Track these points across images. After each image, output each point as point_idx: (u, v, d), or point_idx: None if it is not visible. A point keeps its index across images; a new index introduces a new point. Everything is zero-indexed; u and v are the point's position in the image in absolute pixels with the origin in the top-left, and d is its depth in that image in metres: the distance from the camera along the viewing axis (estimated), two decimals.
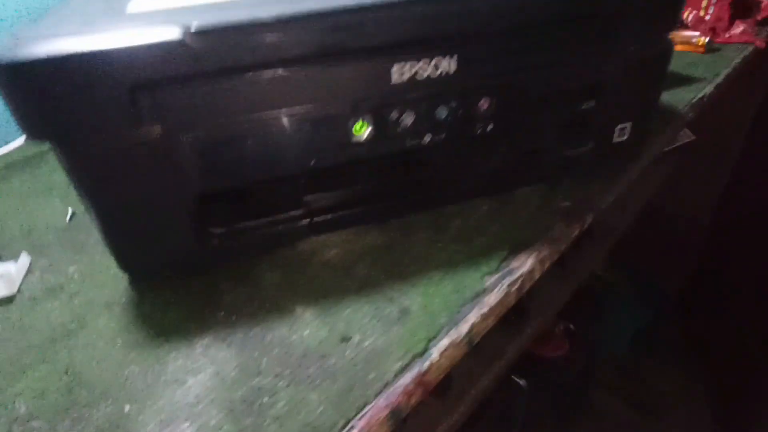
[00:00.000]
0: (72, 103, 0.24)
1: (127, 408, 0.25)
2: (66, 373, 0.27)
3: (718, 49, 0.72)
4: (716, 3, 0.78)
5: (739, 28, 0.76)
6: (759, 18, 0.80)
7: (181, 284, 0.32)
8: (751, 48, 0.72)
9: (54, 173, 0.49)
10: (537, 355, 0.94)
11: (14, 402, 0.25)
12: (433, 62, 0.29)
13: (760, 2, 0.81)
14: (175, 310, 0.31)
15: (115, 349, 0.28)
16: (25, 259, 0.36)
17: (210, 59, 0.25)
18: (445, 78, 0.30)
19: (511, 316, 0.71)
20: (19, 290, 0.33)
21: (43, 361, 0.28)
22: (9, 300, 0.33)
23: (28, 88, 0.23)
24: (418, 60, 0.29)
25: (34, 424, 0.24)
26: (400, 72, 0.29)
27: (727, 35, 0.76)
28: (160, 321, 0.30)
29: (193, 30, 0.24)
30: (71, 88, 0.23)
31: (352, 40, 0.27)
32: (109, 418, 0.24)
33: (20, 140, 0.54)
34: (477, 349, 0.71)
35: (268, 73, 0.26)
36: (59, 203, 0.44)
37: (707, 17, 0.77)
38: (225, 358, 0.27)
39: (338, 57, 0.27)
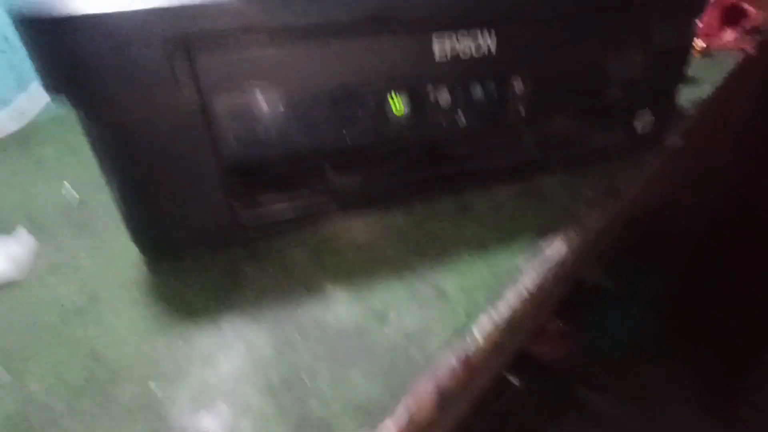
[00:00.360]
0: (107, 68, 0.22)
1: (154, 386, 0.23)
2: (84, 352, 0.25)
3: (712, 55, 0.74)
4: (709, 9, 0.80)
5: (730, 35, 0.79)
6: (747, 27, 0.83)
7: (201, 265, 0.31)
8: (742, 54, 0.75)
9: (54, 153, 0.46)
10: (531, 354, 0.95)
11: (28, 382, 0.23)
12: (474, 41, 0.29)
13: (747, 11, 0.84)
14: (198, 290, 0.29)
15: (134, 328, 0.26)
16: (32, 242, 0.33)
17: (259, 19, 0.24)
18: (484, 58, 0.30)
19: None
20: (28, 272, 0.31)
21: (58, 342, 0.26)
22: (17, 283, 0.30)
23: (64, 46, 0.22)
24: (459, 36, 0.28)
25: (53, 404, 0.22)
26: (443, 49, 0.28)
27: (719, 41, 0.78)
28: (182, 301, 0.28)
29: None
30: (110, 46, 0.22)
31: (400, 11, 0.26)
32: (135, 397, 0.23)
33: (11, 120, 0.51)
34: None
35: (313, 42, 0.25)
36: (61, 186, 0.41)
37: (700, 23, 0.80)
38: (256, 336, 0.26)
39: (385, 28, 0.26)
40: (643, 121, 0.39)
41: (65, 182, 0.40)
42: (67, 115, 0.49)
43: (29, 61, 0.23)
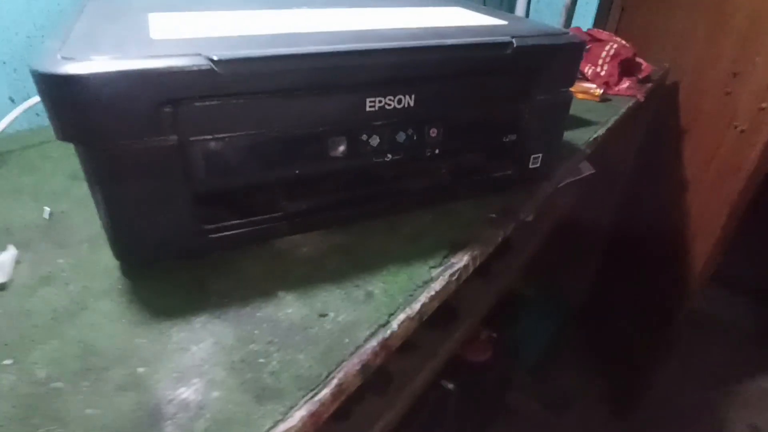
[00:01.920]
0: (106, 113, 0.29)
1: (140, 370, 0.29)
2: (78, 344, 0.31)
3: (610, 99, 0.89)
4: (609, 62, 0.95)
5: (626, 84, 0.94)
6: (640, 77, 0.99)
7: (171, 275, 0.37)
8: (634, 100, 0.90)
9: (22, 175, 0.51)
10: (463, 360, 1.04)
11: (33, 369, 0.29)
12: (397, 97, 0.37)
13: (641, 64, 1.00)
14: (170, 296, 0.35)
15: (120, 326, 0.32)
16: (12, 250, 0.38)
17: (226, 84, 0.31)
18: (405, 110, 0.38)
19: (443, 320, 0.80)
20: (11, 279, 0.36)
21: (52, 337, 0.31)
22: (2, 287, 0.35)
23: (73, 98, 0.28)
24: (386, 95, 0.37)
25: (56, 385, 0.28)
26: (373, 103, 0.37)
27: (617, 88, 0.93)
28: (158, 304, 0.34)
29: (217, 59, 0.30)
30: (108, 100, 0.28)
31: (339, 77, 0.34)
32: (126, 378, 0.29)
33: None
34: (414, 350, 0.80)
35: (270, 98, 0.33)
36: (32, 203, 0.46)
37: (602, 73, 0.94)
38: (222, 331, 0.33)
39: (326, 88, 0.35)
40: (534, 159, 0.49)
41: (45, 207, 0.44)
42: (30, 136, 0.54)
43: None
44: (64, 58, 0.28)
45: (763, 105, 1.00)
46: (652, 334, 1.22)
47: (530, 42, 0.41)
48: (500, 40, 0.40)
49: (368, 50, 0.35)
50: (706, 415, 1.32)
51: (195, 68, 0.30)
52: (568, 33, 0.44)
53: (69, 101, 0.28)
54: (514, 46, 0.40)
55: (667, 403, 1.29)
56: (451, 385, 1.00)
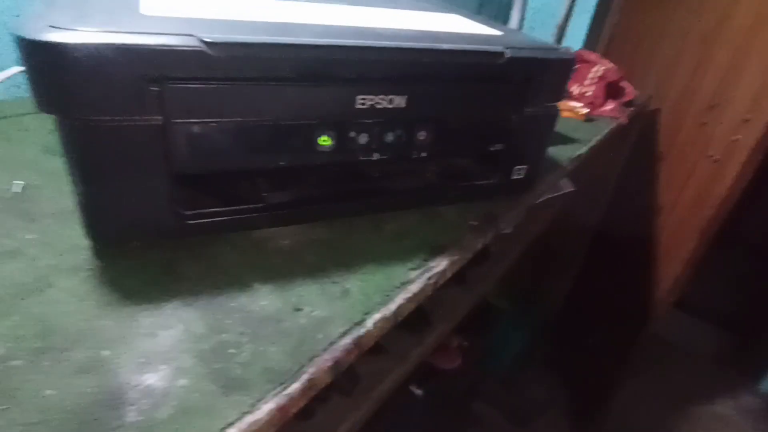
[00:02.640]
0: (91, 86, 0.28)
1: (105, 353, 0.28)
2: (40, 322, 0.29)
3: (594, 120, 0.91)
4: (595, 83, 0.97)
5: (610, 106, 0.97)
6: (624, 100, 1.01)
7: (143, 257, 0.36)
8: (617, 122, 0.92)
9: None
10: (433, 367, 1.04)
11: None
12: (388, 97, 0.37)
13: (626, 88, 1.02)
14: (141, 277, 0.34)
15: (85, 306, 0.31)
16: None
17: (217, 68, 0.30)
18: (395, 111, 0.38)
19: (415, 324, 0.80)
20: None
21: (14, 313, 0.30)
22: None
23: (57, 68, 0.27)
24: (377, 94, 0.37)
25: (14, 363, 0.27)
26: (363, 101, 0.36)
27: (601, 109, 0.95)
28: (128, 285, 0.33)
29: (209, 41, 0.29)
30: (95, 73, 0.28)
31: (331, 71, 0.34)
32: (88, 360, 0.28)
33: None
34: (384, 353, 0.79)
35: (260, 86, 0.33)
36: (3, 175, 0.44)
37: (588, 93, 0.96)
38: (192, 318, 0.32)
39: (318, 80, 0.34)
40: (518, 171, 0.50)
41: (15, 180, 0.43)
42: (9, 107, 0.53)
43: None
44: (51, 26, 0.27)
45: (737, 137, 1.03)
46: (617, 353, 1.24)
47: (523, 54, 0.42)
48: (494, 49, 0.40)
49: (363, 47, 0.35)
50: None
51: (186, 48, 0.29)
52: (560, 48, 0.45)
53: (53, 71, 0.27)
54: (507, 56, 0.40)
55: (625, 422, 1.32)
56: (419, 391, 1.00)
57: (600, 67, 0.98)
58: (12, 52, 0.59)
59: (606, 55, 1.30)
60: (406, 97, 0.38)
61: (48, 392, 0.26)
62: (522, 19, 1.40)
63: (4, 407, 0.24)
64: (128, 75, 0.29)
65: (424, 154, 0.43)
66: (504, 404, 1.23)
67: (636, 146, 1.19)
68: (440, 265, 0.41)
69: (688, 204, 1.11)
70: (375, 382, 0.71)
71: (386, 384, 0.73)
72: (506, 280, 1.03)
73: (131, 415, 0.25)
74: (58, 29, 0.27)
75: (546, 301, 1.40)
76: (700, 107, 1.08)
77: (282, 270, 0.37)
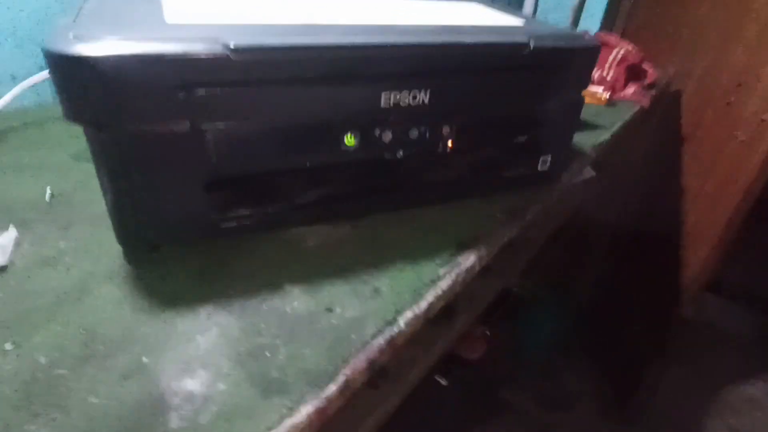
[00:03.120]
0: (119, 96, 0.28)
1: (144, 359, 0.29)
2: (80, 330, 0.30)
3: (616, 104, 0.88)
4: (616, 66, 0.95)
5: (631, 89, 0.94)
6: (646, 83, 0.99)
7: (176, 261, 0.37)
8: (639, 106, 0.90)
9: (20, 153, 0.50)
10: (457, 356, 1.04)
11: (34, 354, 0.28)
12: (412, 93, 0.37)
13: (647, 70, 1.00)
14: (175, 282, 0.35)
15: (123, 312, 0.32)
16: (13, 231, 0.37)
17: (242, 72, 0.30)
18: (420, 107, 0.38)
19: (440, 316, 0.80)
20: (11, 261, 0.35)
21: (54, 321, 0.31)
22: (1, 269, 0.34)
23: (84, 80, 0.27)
24: (401, 90, 0.36)
25: (59, 371, 0.27)
26: (388, 98, 0.36)
27: (622, 93, 0.93)
28: (162, 290, 0.34)
29: (234, 47, 0.29)
30: (122, 83, 0.28)
31: (355, 70, 0.34)
32: (130, 366, 0.28)
33: None
34: (409, 344, 0.79)
35: (284, 88, 0.32)
36: (33, 182, 0.45)
37: (608, 77, 0.94)
38: (227, 322, 0.32)
39: (342, 80, 0.34)
40: (543, 161, 0.49)
41: (47, 187, 0.43)
42: (31, 114, 0.53)
43: None
44: (76, 37, 0.27)
45: (765, 117, 1.00)
46: (650, 338, 1.23)
47: (547, 43, 0.41)
48: (518, 41, 0.39)
49: (386, 45, 0.34)
50: (697, 418, 1.34)
51: (211, 54, 0.29)
52: (584, 36, 0.43)
53: (80, 83, 0.27)
54: (532, 47, 0.39)
55: (657, 404, 1.31)
56: (444, 381, 1.01)
57: (620, 50, 0.96)
58: (31, 58, 0.60)
59: (624, 35, 1.26)
60: (430, 92, 0.38)
61: (93, 400, 0.26)
62: (536, 3, 1.37)
63: (54, 416, 0.25)
64: (155, 83, 0.29)
65: (448, 149, 0.42)
66: (534, 392, 1.23)
67: (659, 129, 1.16)
68: (469, 260, 0.41)
69: (716, 186, 1.07)
70: (401, 373, 0.72)
71: (412, 375, 0.73)
72: (536, 269, 1.02)
73: (174, 421, 0.26)
74: (84, 41, 0.27)
75: (576, 287, 1.38)
76: (726, 86, 1.04)
77: (312, 270, 0.37)
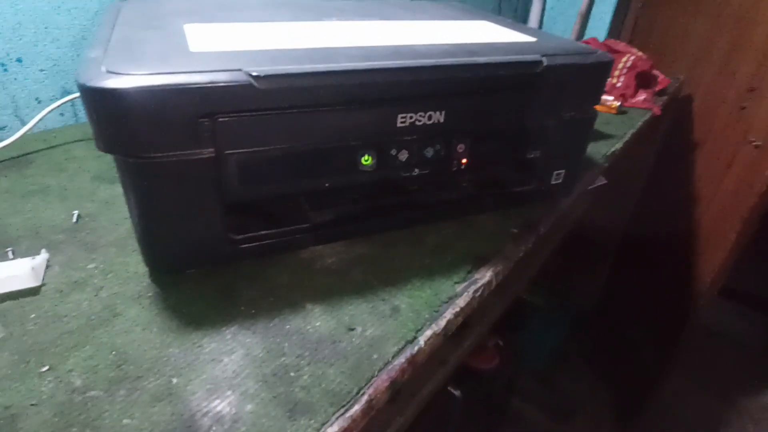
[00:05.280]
0: (148, 126, 0.29)
1: (174, 380, 0.30)
2: (111, 352, 0.31)
3: (626, 112, 0.89)
4: (626, 74, 0.95)
5: (642, 96, 0.94)
6: (657, 89, 0.99)
7: (199, 283, 0.37)
8: (650, 113, 0.90)
9: (46, 176, 0.51)
10: (470, 367, 1.04)
11: (69, 377, 0.29)
12: (428, 113, 0.38)
13: (658, 77, 1.00)
14: (200, 303, 0.36)
15: (152, 334, 0.33)
16: (44, 254, 0.38)
17: (264, 99, 0.31)
18: (434, 126, 0.39)
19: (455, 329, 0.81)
20: (42, 283, 0.36)
21: (86, 343, 0.32)
22: (34, 292, 0.36)
23: (117, 112, 0.28)
24: (417, 111, 0.37)
25: (93, 393, 0.28)
26: (404, 119, 0.37)
27: (633, 101, 0.93)
28: (188, 312, 0.35)
29: (257, 74, 0.30)
30: (151, 114, 0.29)
31: (373, 93, 0.35)
32: (160, 388, 0.29)
33: (2, 143, 0.55)
34: (426, 359, 0.79)
35: (305, 112, 0.33)
36: (59, 204, 0.46)
37: (618, 84, 0.94)
38: (252, 342, 0.33)
39: (360, 103, 0.35)
40: (557, 175, 0.50)
41: (74, 211, 0.45)
42: (56, 136, 0.55)
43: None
44: (108, 71, 0.28)
45: None
46: (660, 344, 1.22)
47: (560, 61, 0.41)
48: (531, 59, 0.40)
49: (403, 68, 0.35)
50: (709, 426, 1.32)
51: (235, 83, 0.30)
52: (596, 52, 0.44)
53: (113, 114, 0.28)
54: (545, 64, 0.40)
55: (671, 413, 1.29)
56: (457, 392, 1.01)
57: (630, 57, 0.96)
58: (55, 81, 0.62)
59: (632, 41, 1.26)
60: (445, 111, 0.39)
61: (126, 421, 0.27)
62: (543, 9, 1.37)
63: None
64: (182, 113, 0.30)
65: (462, 166, 0.43)
66: (542, 401, 1.22)
67: (669, 134, 1.15)
68: (485, 276, 0.41)
69: (729, 192, 1.07)
70: (417, 387, 0.72)
71: (428, 388, 0.73)
72: (539, 276, 1.02)
73: None
74: (115, 74, 0.28)
75: (581, 293, 1.38)
76: (738, 91, 1.04)
77: (331, 289, 0.38)
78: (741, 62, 1.02)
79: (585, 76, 0.44)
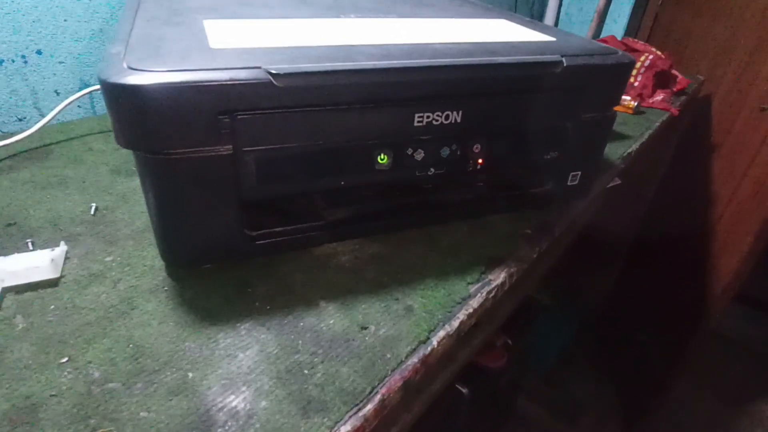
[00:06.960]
0: (168, 122, 0.29)
1: (190, 375, 0.30)
2: (129, 344, 0.32)
3: (644, 112, 0.87)
4: (643, 73, 0.93)
5: (659, 96, 0.93)
6: (675, 89, 0.97)
7: (215, 278, 0.38)
8: (668, 113, 0.88)
9: (65, 168, 0.52)
10: (478, 365, 1.04)
11: (88, 368, 0.30)
12: (445, 113, 0.37)
13: (677, 76, 0.98)
14: (215, 299, 0.36)
15: (168, 327, 0.33)
16: (63, 246, 0.39)
17: (283, 96, 0.31)
18: (451, 126, 0.39)
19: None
20: (62, 275, 0.37)
21: (105, 336, 0.32)
22: (53, 283, 0.36)
23: (138, 108, 0.29)
24: (434, 110, 0.37)
25: (111, 385, 0.29)
26: (421, 118, 0.37)
27: (650, 101, 0.91)
28: (204, 306, 0.35)
29: (277, 72, 0.30)
30: (171, 111, 0.29)
31: (391, 92, 0.34)
32: (176, 382, 0.29)
33: (22, 134, 0.55)
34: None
35: (323, 111, 0.33)
36: (77, 196, 0.47)
37: (636, 84, 0.93)
38: (266, 339, 0.33)
39: (379, 102, 0.35)
40: (573, 176, 0.49)
41: (92, 204, 0.45)
42: (74, 128, 0.56)
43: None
44: (130, 68, 0.29)
45: None
46: (671, 348, 1.21)
47: (580, 61, 0.41)
48: (550, 59, 0.40)
49: (422, 67, 0.35)
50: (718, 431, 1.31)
51: (255, 81, 0.30)
52: (617, 52, 0.43)
53: (134, 110, 0.29)
54: (564, 65, 0.40)
55: (679, 417, 1.28)
56: (465, 389, 1.01)
57: (648, 56, 0.94)
58: (73, 74, 0.62)
59: (650, 39, 1.24)
60: (462, 111, 0.38)
61: (143, 414, 0.28)
62: (560, 4, 1.36)
63: (109, 429, 0.26)
64: (201, 110, 0.30)
65: (478, 166, 0.43)
66: (548, 401, 1.22)
67: (686, 135, 1.14)
68: (498, 277, 0.41)
69: (748, 194, 1.05)
70: (426, 384, 0.72)
71: (435, 385, 0.73)
72: (548, 276, 1.01)
73: None
74: (137, 71, 0.29)
75: (591, 294, 1.37)
76: (760, 91, 1.02)
77: (345, 287, 0.38)
78: (763, 63, 1.00)
79: (605, 77, 0.43)
